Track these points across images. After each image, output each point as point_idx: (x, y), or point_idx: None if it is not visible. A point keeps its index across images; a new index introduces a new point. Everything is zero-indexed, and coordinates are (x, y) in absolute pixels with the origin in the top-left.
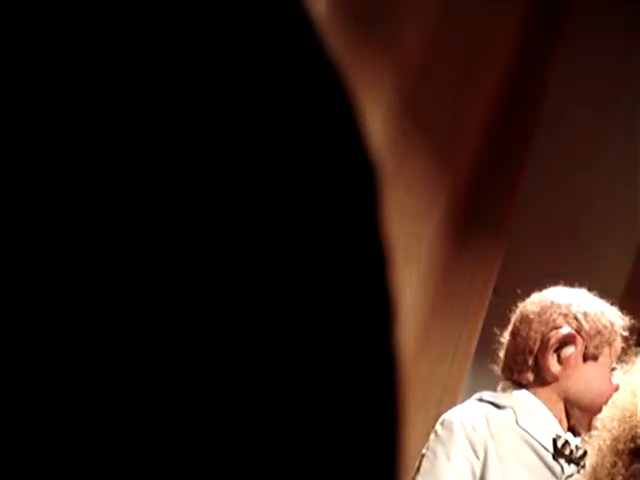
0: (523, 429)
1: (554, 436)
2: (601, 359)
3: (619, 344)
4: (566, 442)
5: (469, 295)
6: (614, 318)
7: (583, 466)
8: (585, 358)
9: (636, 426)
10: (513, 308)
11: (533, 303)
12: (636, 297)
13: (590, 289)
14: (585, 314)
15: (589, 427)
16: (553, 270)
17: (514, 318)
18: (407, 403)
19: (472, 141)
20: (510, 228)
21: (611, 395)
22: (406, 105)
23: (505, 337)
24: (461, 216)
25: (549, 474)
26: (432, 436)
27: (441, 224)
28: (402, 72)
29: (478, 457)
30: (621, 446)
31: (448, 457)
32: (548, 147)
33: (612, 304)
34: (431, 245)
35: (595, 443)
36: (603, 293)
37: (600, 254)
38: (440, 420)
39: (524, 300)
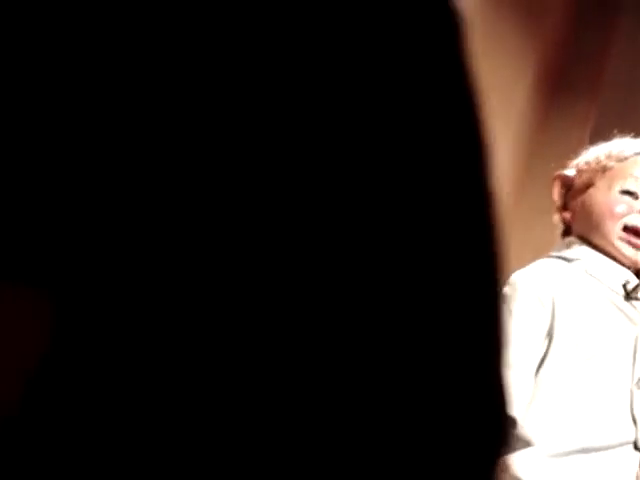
0: (593, 276)
1: (623, 282)
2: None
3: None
4: (638, 286)
5: (563, 158)
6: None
7: None
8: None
9: None
10: None
11: None
12: None
13: None
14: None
15: None
16: None
17: None
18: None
19: (560, 3)
20: (602, 88)
21: None
22: None
23: None
24: (552, 79)
25: (623, 317)
26: None
27: (532, 88)
28: None
29: (544, 305)
30: None
31: (511, 312)
32: None
33: None
34: (523, 109)
35: None
36: None
37: None
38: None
39: None
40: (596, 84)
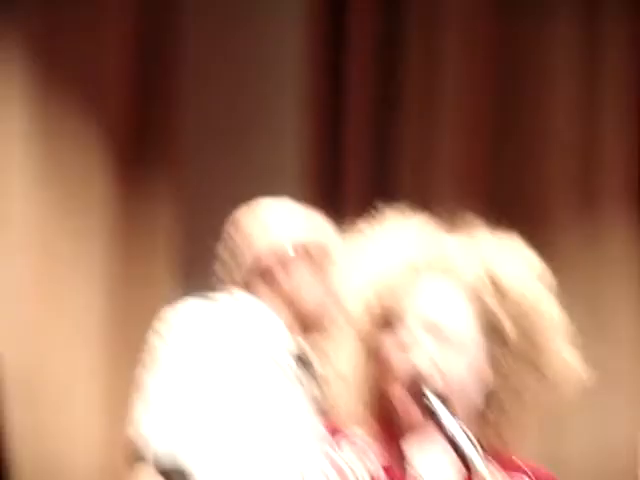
0: (245, 327)
1: (281, 336)
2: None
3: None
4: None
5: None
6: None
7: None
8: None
9: None
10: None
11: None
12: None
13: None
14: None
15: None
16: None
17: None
18: None
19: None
20: (179, 163)
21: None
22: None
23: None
24: (128, 159)
25: (277, 368)
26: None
27: (110, 174)
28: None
29: (200, 341)
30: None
31: (166, 342)
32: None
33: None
34: (105, 199)
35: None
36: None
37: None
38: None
39: None
40: (172, 158)
